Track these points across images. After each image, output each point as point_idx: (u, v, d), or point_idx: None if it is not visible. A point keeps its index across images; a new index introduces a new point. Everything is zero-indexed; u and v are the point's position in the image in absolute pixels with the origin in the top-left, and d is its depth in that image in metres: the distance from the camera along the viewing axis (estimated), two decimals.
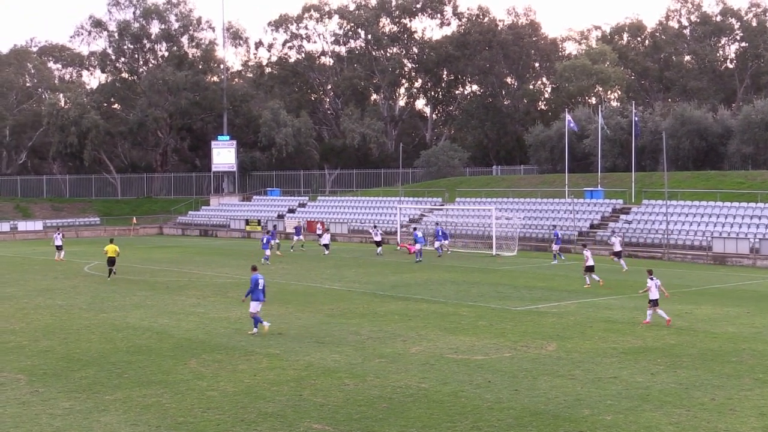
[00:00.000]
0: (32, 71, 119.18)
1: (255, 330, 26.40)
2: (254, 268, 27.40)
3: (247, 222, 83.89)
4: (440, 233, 57.68)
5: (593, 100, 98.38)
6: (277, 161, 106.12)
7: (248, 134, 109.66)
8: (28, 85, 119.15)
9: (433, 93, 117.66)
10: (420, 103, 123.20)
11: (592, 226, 63.00)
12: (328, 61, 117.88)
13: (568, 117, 72.52)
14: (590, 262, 39.32)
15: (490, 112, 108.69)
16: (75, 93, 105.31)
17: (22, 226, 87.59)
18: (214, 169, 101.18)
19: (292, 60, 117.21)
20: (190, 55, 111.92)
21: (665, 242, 56.27)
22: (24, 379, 20.49)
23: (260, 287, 26.34)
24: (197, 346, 24.39)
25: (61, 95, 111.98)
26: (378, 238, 59.46)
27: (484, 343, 24.63)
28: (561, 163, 77.37)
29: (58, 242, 56.39)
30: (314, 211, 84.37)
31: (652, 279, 28.28)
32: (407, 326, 27.63)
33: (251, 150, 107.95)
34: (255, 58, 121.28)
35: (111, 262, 45.83)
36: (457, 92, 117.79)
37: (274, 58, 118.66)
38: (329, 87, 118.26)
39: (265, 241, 52.01)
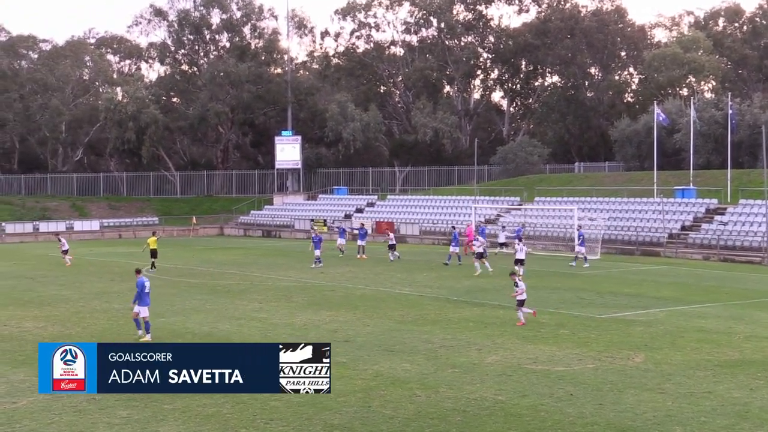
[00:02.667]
0: (89, 64, 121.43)
1: (140, 332, 27.07)
2: (138, 271, 27.87)
3: (313, 222, 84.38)
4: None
5: (685, 92, 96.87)
6: (344, 158, 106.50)
7: (314, 129, 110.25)
8: (85, 78, 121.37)
9: (510, 85, 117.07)
10: (496, 96, 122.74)
11: (683, 228, 62.05)
12: (398, 51, 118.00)
13: (657, 110, 71.50)
14: (520, 255, 44.77)
15: (572, 105, 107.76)
16: (133, 86, 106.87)
17: (78, 225, 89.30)
18: (277, 166, 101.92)
19: (360, 50, 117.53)
20: (253, 46, 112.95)
21: (765, 245, 55.16)
22: None
23: (147, 291, 27.01)
24: None
25: (119, 89, 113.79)
26: (392, 242, 56.65)
27: (565, 353, 24.42)
28: (649, 160, 76.33)
29: (66, 247, 55.59)
30: (383, 211, 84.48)
31: (519, 282, 29.66)
32: (483, 334, 27.52)
33: (317, 146, 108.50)
34: (321, 48, 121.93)
35: (153, 254, 49.79)
36: (536, 84, 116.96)
37: (341, 49, 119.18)
38: (399, 79, 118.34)
39: (317, 241, 52.06)
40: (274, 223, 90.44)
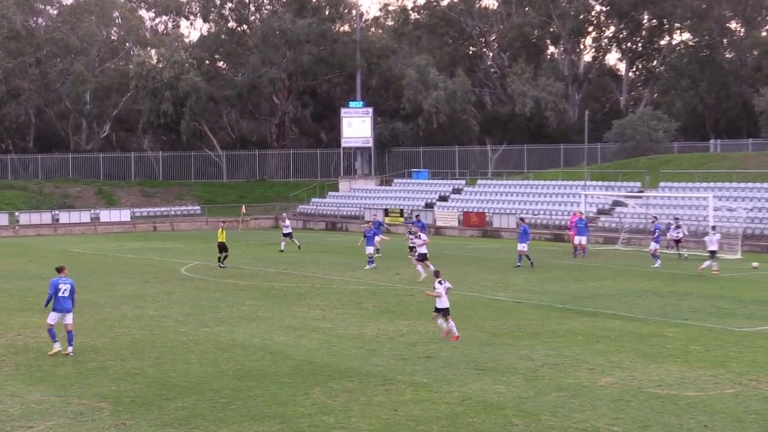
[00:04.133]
0: (119, 21, 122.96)
1: (56, 345, 27.09)
2: (60, 270, 27.70)
3: (387, 212, 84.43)
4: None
5: None
6: (425, 134, 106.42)
7: (388, 99, 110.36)
8: (113, 38, 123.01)
9: (629, 44, 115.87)
10: (612, 58, 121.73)
11: None
12: (491, 3, 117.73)
13: None
14: (423, 250, 46.31)
15: (706, 69, 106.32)
16: (170, 48, 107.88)
17: (106, 215, 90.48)
18: (344, 144, 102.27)
19: (444, 3, 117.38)
20: None
21: None
22: (107, 408, 21.13)
23: (64, 294, 26.99)
24: (322, 370, 24.69)
25: (154, 51, 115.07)
26: (420, 241, 48.58)
27: (697, 374, 24.16)
28: None
29: None
30: (473, 199, 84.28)
31: (441, 283, 28.96)
32: (594, 350, 27.36)
33: (392, 120, 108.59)
34: (397, 1, 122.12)
35: (221, 248, 51.14)
36: (661, 43, 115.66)
37: (421, 1, 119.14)
38: (493, 38, 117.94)
39: (370, 236, 51.64)
40: (339, 213, 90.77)
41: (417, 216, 66.00)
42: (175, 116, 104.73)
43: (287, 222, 65.32)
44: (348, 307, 36.26)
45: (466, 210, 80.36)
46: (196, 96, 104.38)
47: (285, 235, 63.41)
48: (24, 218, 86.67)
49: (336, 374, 24.20)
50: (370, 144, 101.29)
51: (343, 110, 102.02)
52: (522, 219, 55.79)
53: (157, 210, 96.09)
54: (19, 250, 66.23)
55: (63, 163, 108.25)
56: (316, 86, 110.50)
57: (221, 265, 51.22)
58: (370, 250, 51.17)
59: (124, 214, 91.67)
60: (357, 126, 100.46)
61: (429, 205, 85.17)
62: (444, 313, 29.13)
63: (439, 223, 79.75)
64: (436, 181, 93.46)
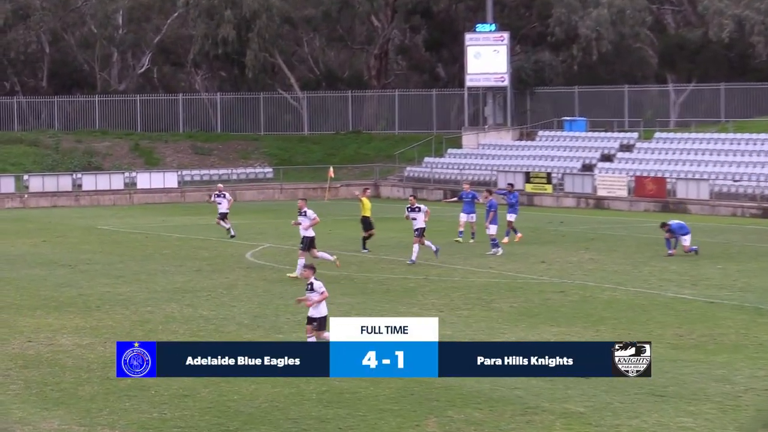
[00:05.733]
0: None
1: None
2: None
3: (528, 177, 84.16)
4: None
5: None
6: (582, 69, 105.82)
7: (530, 21, 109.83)
8: None
9: None
10: None
11: None
12: None
13: None
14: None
15: None
16: None
17: (144, 179, 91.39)
18: (469, 83, 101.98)
19: None
20: None
21: None
22: None
23: None
24: (439, 394, 24.70)
25: None
26: (420, 225, 49.00)
27: None
28: None
29: None
30: (648, 159, 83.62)
31: (313, 287, 28.13)
32: None
33: (535, 49, 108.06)
34: None
35: (366, 224, 51.93)
36: None
37: None
38: None
39: (491, 208, 50.48)
40: (461, 178, 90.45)
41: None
42: (239, 44, 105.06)
43: (227, 196, 59.81)
44: (475, 307, 36.28)
45: (638, 174, 79.75)
46: (267, 17, 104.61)
47: (221, 215, 58.49)
48: (35, 183, 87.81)
49: (458, 399, 24.23)
50: (506, 82, 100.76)
51: (467, 36, 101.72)
52: (665, 226, 51.35)
53: (213, 173, 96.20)
54: (30, 226, 67.23)
55: (87, 109, 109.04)
56: (431, 3, 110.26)
57: (365, 249, 51.71)
58: (492, 229, 50.83)
59: (169, 179, 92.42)
60: (487, 58, 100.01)
61: (587, 168, 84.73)
62: (318, 324, 28.19)
63: (600, 193, 79.38)
64: (596, 134, 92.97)
